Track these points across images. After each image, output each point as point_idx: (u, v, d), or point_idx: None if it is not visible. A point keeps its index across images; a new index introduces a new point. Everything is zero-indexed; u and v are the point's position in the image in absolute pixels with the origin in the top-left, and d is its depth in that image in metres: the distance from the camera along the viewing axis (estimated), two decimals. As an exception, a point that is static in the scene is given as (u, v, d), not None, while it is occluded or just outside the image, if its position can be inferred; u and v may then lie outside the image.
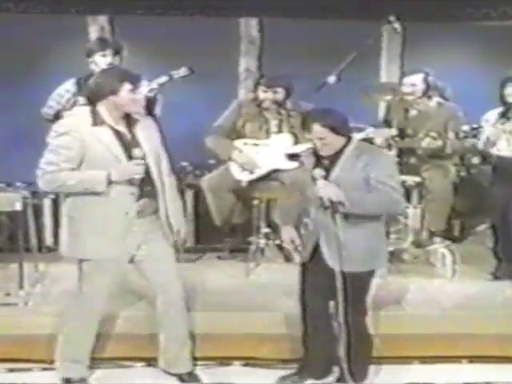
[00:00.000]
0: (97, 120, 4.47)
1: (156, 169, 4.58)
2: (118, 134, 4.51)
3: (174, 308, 4.73)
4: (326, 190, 4.35)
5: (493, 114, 6.00)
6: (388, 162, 4.58)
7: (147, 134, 4.60)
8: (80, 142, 4.43)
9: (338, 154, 4.47)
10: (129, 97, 4.46)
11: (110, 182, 4.43)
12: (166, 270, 4.69)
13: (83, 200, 4.50)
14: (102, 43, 6.03)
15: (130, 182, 4.49)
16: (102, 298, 4.66)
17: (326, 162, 4.50)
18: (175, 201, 4.72)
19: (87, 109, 4.51)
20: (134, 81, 4.50)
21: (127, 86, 4.45)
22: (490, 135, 5.92)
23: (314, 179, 4.41)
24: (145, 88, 5.73)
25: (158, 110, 5.96)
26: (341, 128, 4.44)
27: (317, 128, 4.39)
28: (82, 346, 4.73)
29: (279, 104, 6.29)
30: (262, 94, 6.32)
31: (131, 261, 4.66)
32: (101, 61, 5.90)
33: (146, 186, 4.55)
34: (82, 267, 4.63)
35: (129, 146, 4.51)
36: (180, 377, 4.84)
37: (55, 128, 4.52)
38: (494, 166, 6.11)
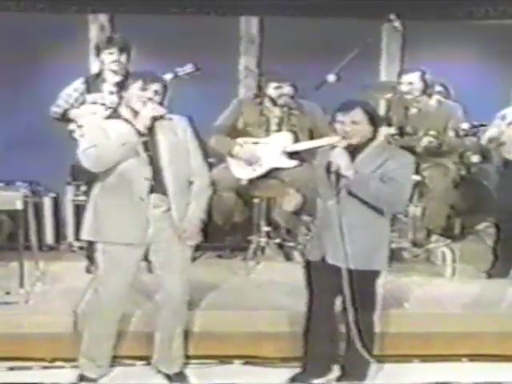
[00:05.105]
0: (112, 114, 4.65)
1: (169, 169, 4.58)
2: (133, 127, 4.55)
3: (173, 307, 4.74)
4: (339, 156, 4.39)
5: (510, 112, 5.90)
6: (407, 163, 4.56)
7: (165, 135, 4.61)
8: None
9: (361, 148, 4.48)
10: (136, 94, 4.52)
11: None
12: (175, 269, 4.71)
13: (108, 184, 4.55)
14: (108, 41, 6.06)
15: (143, 161, 4.53)
16: (117, 292, 4.65)
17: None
18: (184, 201, 4.68)
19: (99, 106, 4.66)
20: (142, 78, 4.55)
21: (137, 84, 4.52)
22: (500, 134, 5.88)
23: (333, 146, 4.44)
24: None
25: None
26: (376, 119, 4.54)
27: (357, 111, 4.45)
28: (100, 344, 4.76)
29: (293, 97, 6.28)
30: (275, 92, 6.24)
31: (145, 258, 4.69)
32: (107, 58, 5.93)
33: (158, 184, 4.57)
34: (100, 252, 4.66)
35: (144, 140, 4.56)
36: (168, 376, 4.86)
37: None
38: (504, 168, 6.03)
